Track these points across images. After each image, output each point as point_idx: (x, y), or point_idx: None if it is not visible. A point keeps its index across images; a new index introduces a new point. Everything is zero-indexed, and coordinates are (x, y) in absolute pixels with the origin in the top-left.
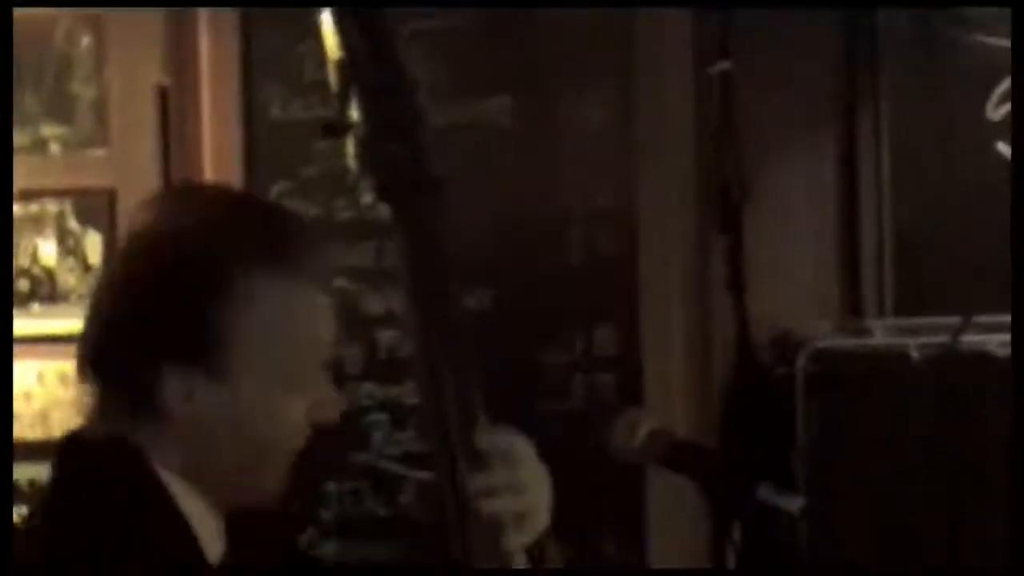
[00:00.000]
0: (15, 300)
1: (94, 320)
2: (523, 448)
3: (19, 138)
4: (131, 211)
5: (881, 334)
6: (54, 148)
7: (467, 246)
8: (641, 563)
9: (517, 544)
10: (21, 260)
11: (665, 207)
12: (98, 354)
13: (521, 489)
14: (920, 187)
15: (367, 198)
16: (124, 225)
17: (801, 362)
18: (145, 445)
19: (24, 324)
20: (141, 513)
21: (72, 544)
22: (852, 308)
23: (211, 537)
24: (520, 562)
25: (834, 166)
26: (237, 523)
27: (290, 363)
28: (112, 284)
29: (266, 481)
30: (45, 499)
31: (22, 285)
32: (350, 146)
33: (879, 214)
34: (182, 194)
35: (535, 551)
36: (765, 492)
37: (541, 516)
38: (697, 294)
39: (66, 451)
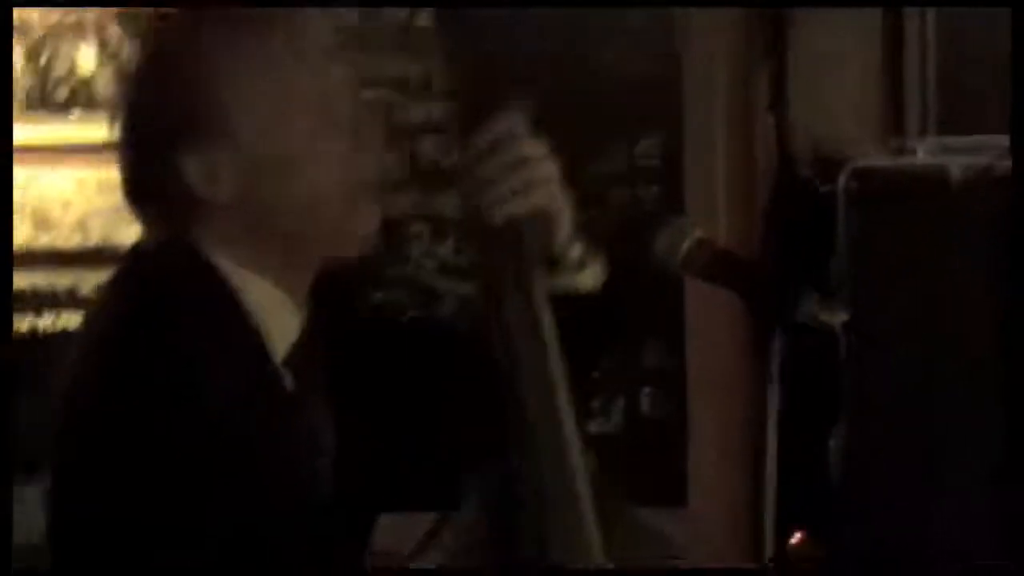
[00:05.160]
0: (55, 108)
1: (116, 125)
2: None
3: None
4: None
5: (923, 153)
6: None
7: (511, 56)
8: (680, 375)
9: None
10: (61, 68)
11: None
12: (125, 158)
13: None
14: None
15: None
16: None
17: (843, 180)
18: (201, 243)
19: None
20: (198, 309)
21: (136, 352)
22: (895, 127)
23: (283, 326)
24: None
25: None
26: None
27: (307, 115)
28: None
29: (342, 231)
30: (105, 314)
31: (61, 93)
32: None
33: (923, 33)
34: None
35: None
36: (807, 305)
37: (546, 168)
38: (741, 108)
39: (124, 261)
